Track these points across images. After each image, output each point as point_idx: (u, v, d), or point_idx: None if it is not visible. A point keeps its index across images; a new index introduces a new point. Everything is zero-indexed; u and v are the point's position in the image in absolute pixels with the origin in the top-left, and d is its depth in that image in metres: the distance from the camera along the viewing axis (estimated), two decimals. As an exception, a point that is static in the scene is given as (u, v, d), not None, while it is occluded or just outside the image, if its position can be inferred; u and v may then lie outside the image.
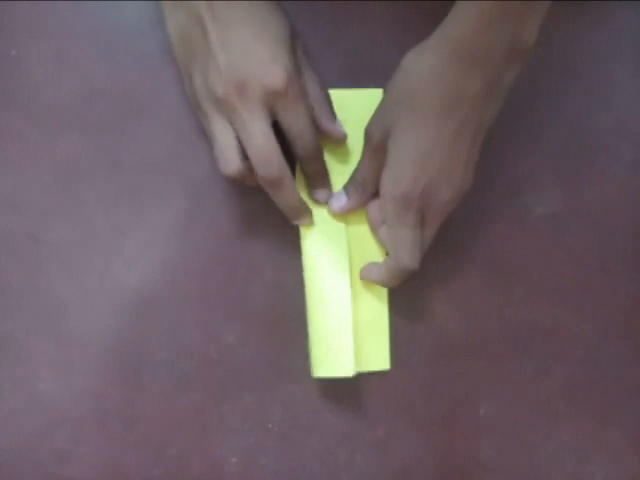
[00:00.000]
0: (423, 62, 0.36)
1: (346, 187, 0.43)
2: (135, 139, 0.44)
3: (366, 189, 0.41)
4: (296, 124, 0.39)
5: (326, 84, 0.45)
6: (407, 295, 0.44)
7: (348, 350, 0.42)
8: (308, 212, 0.42)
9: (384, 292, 0.44)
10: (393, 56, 0.45)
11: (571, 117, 0.47)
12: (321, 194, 0.43)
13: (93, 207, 0.44)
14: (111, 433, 0.43)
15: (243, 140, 0.38)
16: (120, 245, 0.44)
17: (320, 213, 0.43)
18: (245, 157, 0.39)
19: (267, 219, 0.44)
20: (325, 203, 0.43)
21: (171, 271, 0.44)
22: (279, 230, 0.44)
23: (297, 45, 0.40)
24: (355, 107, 0.43)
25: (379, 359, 0.43)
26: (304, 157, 0.40)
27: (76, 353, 0.43)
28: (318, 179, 0.42)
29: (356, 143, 0.43)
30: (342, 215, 0.43)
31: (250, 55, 0.37)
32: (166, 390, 0.43)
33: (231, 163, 0.39)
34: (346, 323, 0.42)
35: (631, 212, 0.46)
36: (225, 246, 0.44)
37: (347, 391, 0.43)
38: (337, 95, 0.44)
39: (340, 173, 0.43)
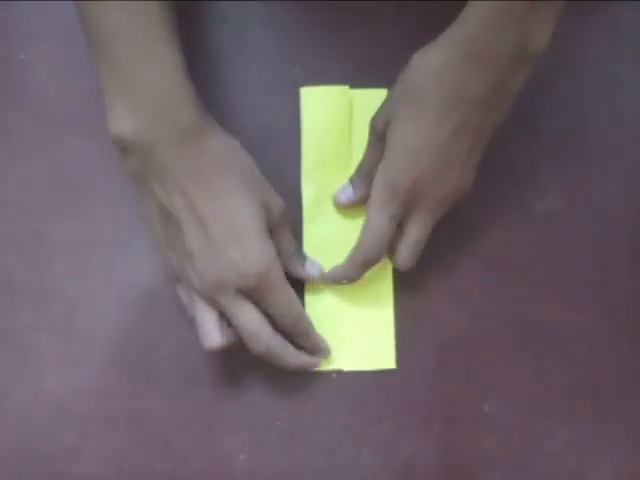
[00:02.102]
0: (430, 58, 0.37)
1: (352, 179, 0.43)
2: None
3: (371, 180, 0.41)
4: (272, 306, 0.39)
5: (328, 84, 0.45)
6: (410, 293, 0.45)
7: (389, 342, 0.43)
8: (307, 363, 0.42)
9: (390, 291, 0.44)
10: (396, 56, 0.45)
11: (571, 116, 0.47)
12: (322, 354, 0.43)
13: (98, 206, 0.45)
14: (118, 429, 0.43)
15: (233, 324, 0.39)
16: (125, 243, 0.44)
17: (324, 210, 0.44)
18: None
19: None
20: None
21: None
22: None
23: (274, 219, 0.40)
24: (319, 103, 0.44)
25: (385, 358, 0.44)
26: (287, 333, 0.41)
27: (83, 350, 0.43)
28: (308, 350, 0.42)
29: (318, 138, 0.44)
30: (346, 210, 0.44)
31: (222, 258, 0.37)
32: (173, 387, 0.43)
33: (213, 340, 0.39)
34: (386, 315, 0.44)
35: (631, 210, 0.46)
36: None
37: (352, 389, 0.44)
38: (351, 94, 0.45)
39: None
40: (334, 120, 0.45)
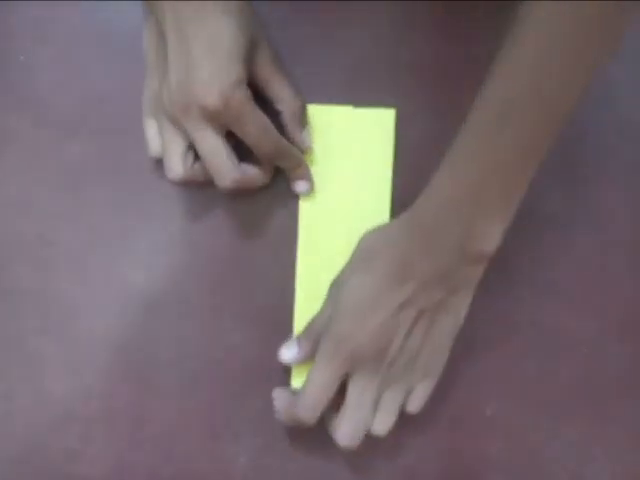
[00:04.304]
0: (382, 232, 0.40)
1: (299, 337, 0.42)
2: (141, 142, 0.44)
3: (316, 338, 0.40)
4: (246, 135, 0.40)
5: (328, 87, 0.45)
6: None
7: None
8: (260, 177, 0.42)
9: None
10: (395, 57, 0.45)
11: (573, 118, 0.46)
12: (300, 186, 0.43)
13: (101, 210, 0.45)
14: (120, 432, 0.43)
15: (198, 152, 0.40)
16: (128, 247, 0.45)
17: (321, 227, 0.44)
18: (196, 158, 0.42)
19: (271, 222, 0.45)
20: (304, 194, 0.44)
21: (178, 273, 0.44)
22: (282, 232, 0.45)
23: (259, 56, 0.41)
24: (324, 123, 0.44)
25: None
26: (267, 160, 0.42)
27: (85, 353, 0.44)
28: (292, 171, 0.43)
29: (322, 158, 0.44)
30: (343, 227, 0.44)
31: (193, 75, 0.38)
32: (174, 390, 0.43)
33: (173, 171, 0.41)
34: None
35: (632, 211, 0.46)
36: (230, 248, 0.45)
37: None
38: (355, 114, 0.45)
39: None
40: (336, 139, 0.45)
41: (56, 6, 0.46)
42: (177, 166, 0.40)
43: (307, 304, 0.44)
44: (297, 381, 0.43)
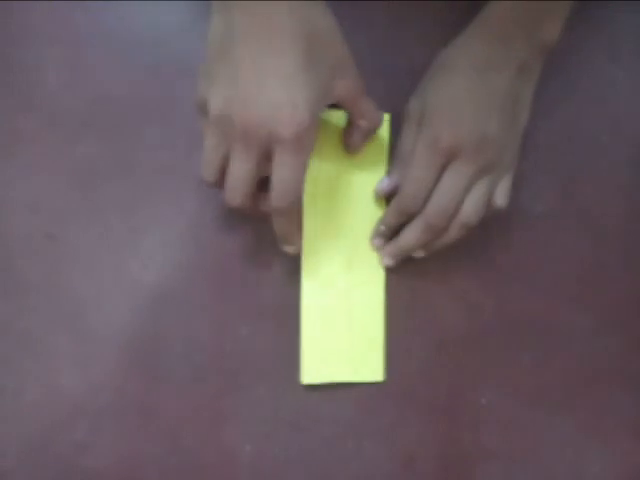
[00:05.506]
0: (456, 43, 0.41)
1: (389, 170, 0.44)
2: (149, 143, 0.45)
3: (407, 163, 0.42)
4: (280, 174, 0.37)
5: None
6: (408, 290, 0.45)
7: (379, 356, 0.44)
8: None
9: (381, 305, 0.45)
10: (391, 61, 0.46)
11: (568, 117, 0.47)
12: (288, 249, 0.42)
13: (110, 208, 0.45)
14: (129, 424, 0.43)
15: (228, 164, 0.38)
16: (136, 244, 0.45)
17: (324, 226, 0.45)
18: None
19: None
20: (293, 255, 0.43)
21: (185, 269, 0.45)
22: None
23: (346, 77, 0.38)
24: (320, 126, 0.44)
25: (374, 370, 0.44)
26: (275, 209, 0.38)
27: (94, 348, 0.44)
28: (285, 236, 0.41)
29: (320, 160, 0.44)
30: (344, 225, 0.45)
31: (268, 94, 0.35)
32: (182, 382, 0.44)
33: (209, 175, 0.39)
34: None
35: (626, 209, 0.46)
36: (237, 244, 0.45)
37: (354, 383, 0.44)
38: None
39: (327, 188, 0.45)
40: (332, 142, 0.45)
41: (65, 7, 0.46)
42: (212, 174, 0.39)
43: (312, 300, 0.44)
44: (307, 377, 0.43)
